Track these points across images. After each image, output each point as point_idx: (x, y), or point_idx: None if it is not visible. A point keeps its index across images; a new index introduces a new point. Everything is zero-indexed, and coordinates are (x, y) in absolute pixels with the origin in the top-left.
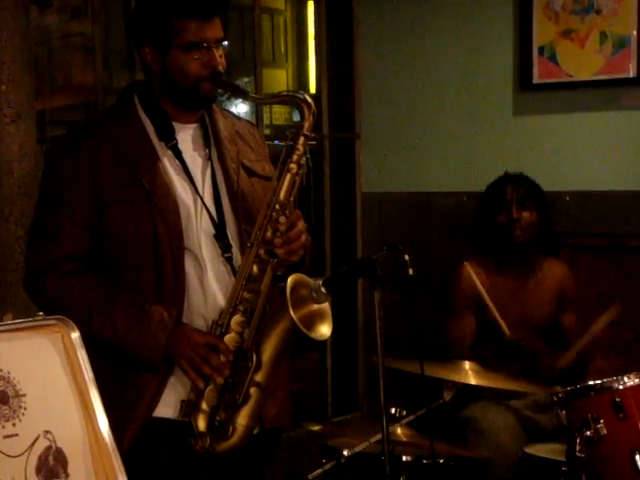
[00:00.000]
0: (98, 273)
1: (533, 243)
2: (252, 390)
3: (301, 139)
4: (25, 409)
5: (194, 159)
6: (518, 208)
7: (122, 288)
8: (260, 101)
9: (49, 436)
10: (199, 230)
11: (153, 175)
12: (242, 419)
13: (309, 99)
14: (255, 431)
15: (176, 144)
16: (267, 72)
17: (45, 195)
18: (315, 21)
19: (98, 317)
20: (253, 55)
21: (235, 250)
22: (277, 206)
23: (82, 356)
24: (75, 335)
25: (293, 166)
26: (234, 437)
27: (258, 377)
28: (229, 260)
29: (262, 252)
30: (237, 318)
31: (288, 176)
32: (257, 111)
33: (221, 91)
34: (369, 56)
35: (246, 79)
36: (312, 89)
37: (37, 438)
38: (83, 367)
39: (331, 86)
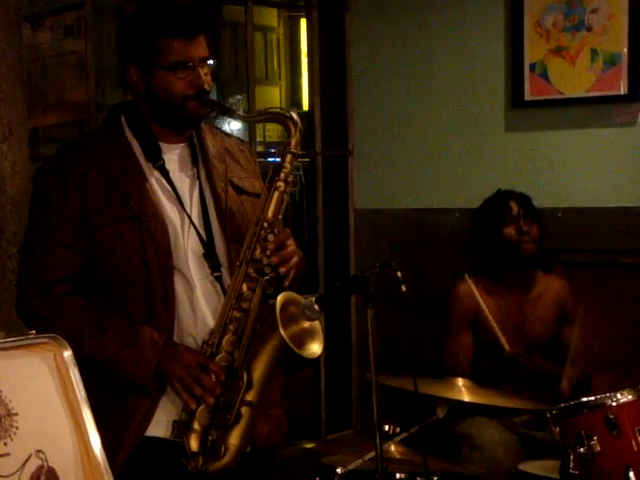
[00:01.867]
0: (88, 294)
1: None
2: (243, 409)
3: (288, 157)
4: (17, 428)
5: (182, 179)
6: (526, 221)
7: (112, 309)
8: (246, 119)
9: (41, 455)
10: (187, 249)
11: (141, 195)
12: (234, 439)
13: (295, 116)
14: (248, 449)
15: (163, 164)
16: (260, 89)
17: (34, 218)
18: (307, 38)
19: (89, 340)
20: (246, 72)
21: (224, 269)
22: (265, 224)
23: (74, 375)
24: (67, 354)
25: (281, 184)
26: (226, 457)
27: (249, 396)
28: (218, 279)
29: (251, 271)
30: (228, 337)
31: (276, 194)
32: (250, 129)
33: (207, 110)
34: (362, 73)
35: (239, 96)
36: (305, 106)
37: (29, 457)
38: (75, 386)
39: (324, 103)
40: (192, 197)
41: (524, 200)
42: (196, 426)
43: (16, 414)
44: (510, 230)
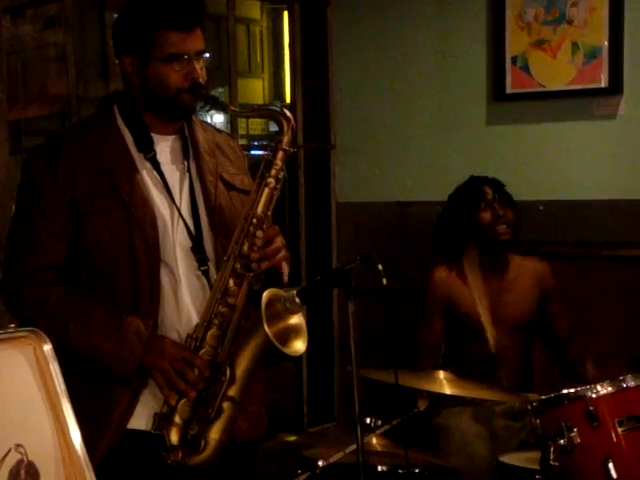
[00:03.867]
0: (75, 283)
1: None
2: (225, 404)
3: (280, 153)
4: None
5: (172, 171)
6: (501, 205)
7: (98, 298)
8: (239, 114)
9: (20, 449)
10: (175, 242)
11: (131, 186)
12: (215, 433)
13: (288, 113)
14: (227, 444)
15: (154, 155)
16: (243, 82)
17: (22, 206)
18: (289, 31)
19: (74, 327)
20: (228, 65)
21: (211, 264)
22: (254, 220)
23: (54, 368)
24: (47, 347)
25: (271, 180)
26: (206, 451)
27: (231, 392)
28: (205, 273)
29: (238, 266)
30: (212, 332)
31: (266, 190)
32: (232, 122)
33: (201, 103)
34: (344, 66)
35: (221, 89)
36: (288, 99)
37: (8, 452)
38: (55, 379)
39: (306, 96)
40: (182, 190)
41: (498, 185)
42: (177, 419)
43: None
44: (486, 215)
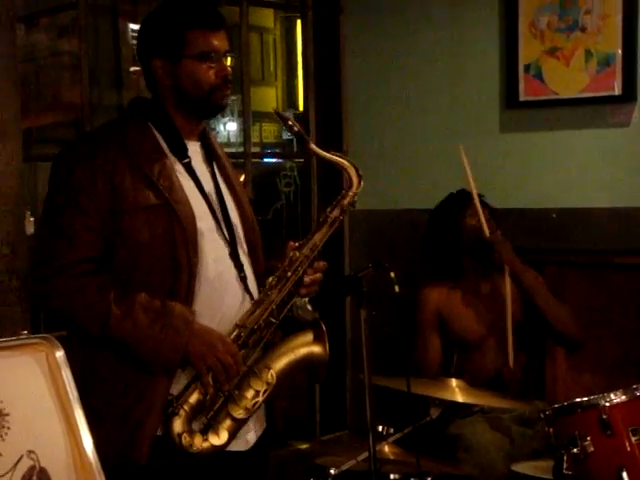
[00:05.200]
0: (111, 277)
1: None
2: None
3: (337, 210)
4: (8, 428)
5: (204, 175)
6: (485, 212)
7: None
8: (318, 154)
9: (33, 456)
10: (216, 247)
11: (171, 184)
12: (224, 431)
13: (361, 173)
14: (244, 448)
15: (190, 161)
16: (256, 90)
17: (56, 200)
18: (302, 39)
19: (116, 310)
20: (241, 73)
21: (247, 270)
22: (315, 252)
23: (67, 375)
24: (59, 354)
25: (329, 220)
26: (209, 443)
27: (252, 396)
28: (242, 279)
29: (292, 289)
30: (254, 337)
31: (325, 227)
32: (245, 129)
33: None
34: (356, 74)
35: (234, 97)
36: (301, 107)
37: (21, 458)
38: (68, 386)
39: (319, 104)
40: (212, 195)
41: (480, 196)
42: (194, 404)
43: (7, 414)
44: (471, 220)
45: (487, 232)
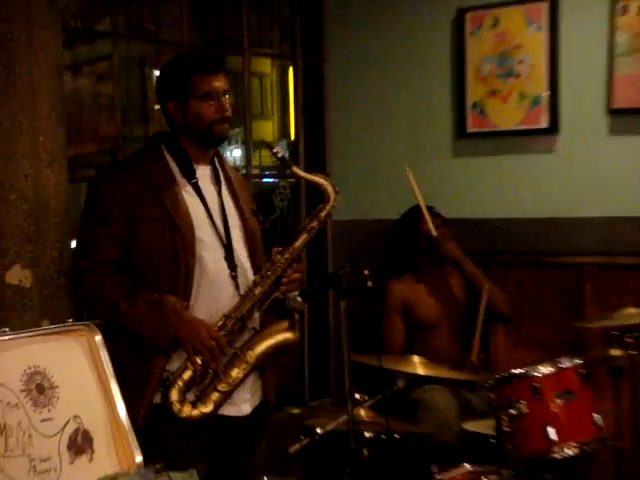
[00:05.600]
0: (126, 274)
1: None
2: (233, 377)
3: (315, 221)
4: (58, 398)
5: (209, 193)
6: (437, 220)
7: (144, 286)
8: (299, 175)
9: (78, 420)
10: (212, 251)
11: (175, 201)
12: (210, 402)
13: (338, 189)
14: (245, 412)
15: (197, 181)
16: (256, 123)
17: (87, 215)
18: (294, 83)
19: (123, 303)
20: (244, 110)
21: (240, 271)
22: (292, 256)
23: (104, 355)
24: (98, 338)
25: (308, 230)
26: (207, 408)
27: (236, 373)
28: (234, 278)
29: (272, 286)
30: (238, 325)
31: (304, 235)
32: (247, 154)
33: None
34: (336, 111)
35: (238, 129)
36: (292, 137)
37: (68, 421)
38: (105, 364)
39: (307, 134)
40: (215, 208)
41: (431, 208)
42: (187, 380)
43: (57, 387)
44: (424, 226)
45: (434, 232)
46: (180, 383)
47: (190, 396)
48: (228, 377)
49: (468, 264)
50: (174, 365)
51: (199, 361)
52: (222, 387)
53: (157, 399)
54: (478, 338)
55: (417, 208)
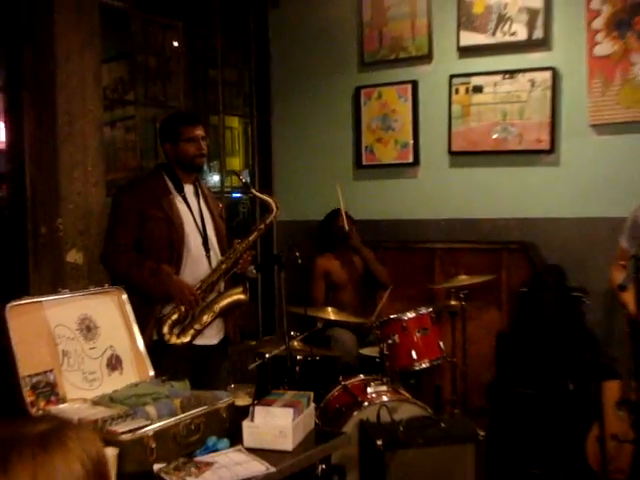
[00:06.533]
0: (137, 253)
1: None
2: (204, 319)
3: (263, 225)
4: (99, 334)
5: (192, 204)
6: (348, 221)
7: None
8: (254, 193)
9: (112, 348)
10: (194, 239)
11: (171, 207)
12: (189, 334)
13: (279, 205)
14: (214, 342)
15: (185, 195)
16: (228, 159)
17: (112, 215)
18: (250, 133)
19: (135, 272)
20: (219, 150)
21: (213, 253)
22: (246, 246)
23: (128, 308)
24: (124, 296)
25: (258, 230)
26: (186, 338)
27: (206, 318)
28: (208, 258)
29: (231, 265)
30: (209, 287)
31: (255, 234)
32: (222, 179)
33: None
34: (280, 149)
35: (216, 161)
36: (251, 168)
37: (106, 349)
38: (129, 314)
39: (260, 166)
40: (196, 214)
41: (347, 212)
42: (174, 319)
43: (99, 327)
44: (340, 223)
45: (347, 227)
46: (169, 321)
47: (176, 330)
48: (201, 320)
49: (364, 250)
50: (166, 310)
51: (183, 309)
52: (197, 326)
53: (154, 335)
54: (380, 306)
55: (336, 211)
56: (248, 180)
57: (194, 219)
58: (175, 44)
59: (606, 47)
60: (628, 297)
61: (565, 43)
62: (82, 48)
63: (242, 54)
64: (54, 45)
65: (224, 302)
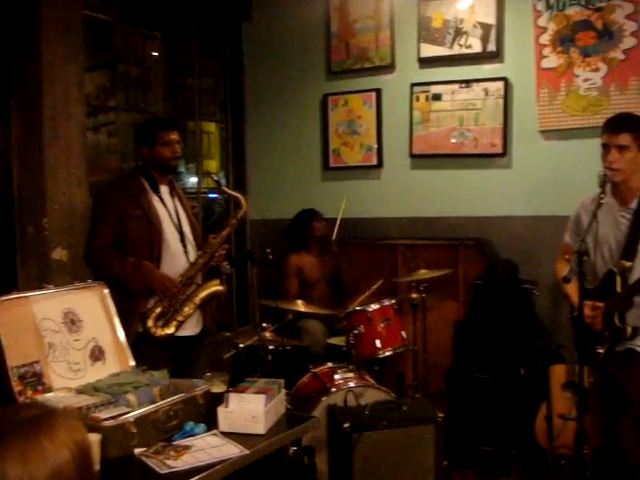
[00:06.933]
0: (118, 251)
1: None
2: (186, 310)
3: (234, 220)
4: (83, 327)
5: (168, 202)
6: (322, 222)
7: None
8: (226, 191)
9: (95, 340)
10: (172, 236)
11: (149, 206)
12: (172, 326)
13: (247, 202)
14: (193, 333)
15: (161, 194)
16: (205, 162)
17: (93, 215)
18: (226, 138)
19: (118, 267)
20: (197, 153)
21: (189, 249)
22: (221, 240)
23: (110, 301)
24: (106, 291)
25: (230, 225)
26: (170, 330)
27: (187, 309)
28: (186, 253)
29: (208, 259)
30: (187, 281)
31: (227, 229)
32: (199, 179)
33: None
34: (253, 153)
35: (194, 163)
36: (227, 170)
37: (89, 341)
38: (111, 307)
39: (234, 167)
40: (172, 211)
41: (318, 212)
42: (158, 313)
43: (82, 320)
44: (317, 224)
45: (334, 236)
46: (154, 315)
47: (160, 323)
48: (182, 311)
49: (341, 260)
50: (150, 304)
51: (165, 301)
52: (179, 318)
53: (139, 328)
54: (358, 299)
55: (311, 211)
56: (223, 181)
57: (170, 217)
58: (155, 54)
59: (552, 60)
60: (571, 289)
61: (516, 56)
62: (67, 59)
63: (218, 64)
64: (41, 56)
65: (203, 294)
